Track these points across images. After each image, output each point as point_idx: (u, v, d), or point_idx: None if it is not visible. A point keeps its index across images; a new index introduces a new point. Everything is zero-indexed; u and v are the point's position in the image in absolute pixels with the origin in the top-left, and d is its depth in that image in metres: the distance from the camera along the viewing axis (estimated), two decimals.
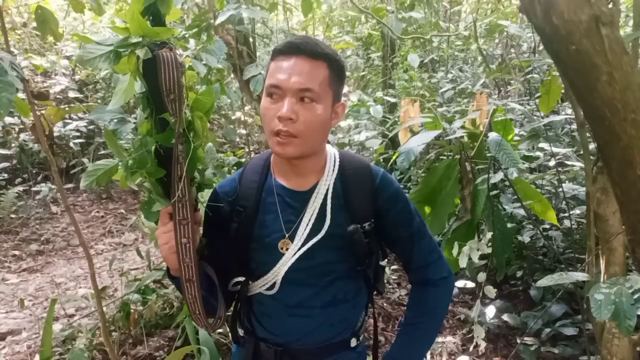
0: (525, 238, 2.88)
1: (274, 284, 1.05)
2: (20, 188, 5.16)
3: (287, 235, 1.04)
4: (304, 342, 1.09)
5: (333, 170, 1.08)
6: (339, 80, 1.02)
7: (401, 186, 1.15)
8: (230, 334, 1.22)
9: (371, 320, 1.26)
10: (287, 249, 1.04)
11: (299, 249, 1.03)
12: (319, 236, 1.03)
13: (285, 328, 1.09)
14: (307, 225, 1.04)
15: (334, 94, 1.01)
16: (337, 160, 1.10)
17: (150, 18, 0.89)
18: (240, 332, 1.17)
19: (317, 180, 1.07)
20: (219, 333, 2.50)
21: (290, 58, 0.96)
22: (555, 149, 2.74)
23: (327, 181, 1.06)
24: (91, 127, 5.79)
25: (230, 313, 1.19)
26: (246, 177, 1.11)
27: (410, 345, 1.14)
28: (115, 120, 1.06)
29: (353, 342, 1.14)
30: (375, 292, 1.21)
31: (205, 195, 1.08)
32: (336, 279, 1.07)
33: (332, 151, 1.11)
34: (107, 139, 0.94)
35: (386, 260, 1.17)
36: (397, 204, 1.10)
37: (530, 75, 3.91)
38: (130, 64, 0.87)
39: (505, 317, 2.79)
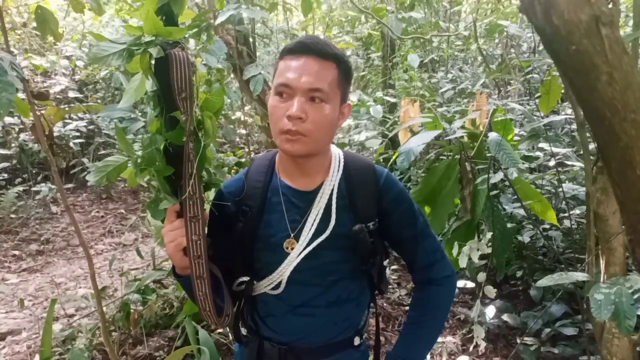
0: (525, 238, 2.88)
1: (280, 283, 1.06)
2: (20, 188, 5.16)
3: (292, 235, 1.05)
4: (308, 341, 1.09)
5: (338, 171, 1.08)
6: (346, 81, 1.03)
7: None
8: (230, 334, 1.22)
9: (373, 320, 1.27)
10: (292, 249, 1.04)
11: (304, 249, 1.03)
12: (324, 236, 1.03)
13: (290, 327, 1.09)
14: (312, 225, 1.04)
15: (341, 95, 1.01)
16: (342, 160, 1.10)
17: (163, 18, 0.90)
18: (243, 331, 1.17)
19: (322, 180, 1.07)
20: (219, 333, 2.50)
21: (300, 57, 0.96)
22: (555, 149, 2.74)
23: (332, 181, 1.07)
24: (91, 127, 5.79)
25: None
26: (251, 177, 1.11)
27: (414, 344, 1.15)
28: (119, 119, 1.06)
29: (356, 341, 1.15)
30: (376, 292, 1.21)
31: (210, 194, 1.09)
32: (340, 278, 1.08)
33: (336, 151, 1.12)
34: (118, 136, 0.94)
35: (387, 260, 1.17)
36: (401, 204, 1.11)
37: (530, 75, 3.91)
38: (143, 62, 0.87)
39: (505, 317, 2.79)
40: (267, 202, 1.07)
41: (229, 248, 1.07)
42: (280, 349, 1.09)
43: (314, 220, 1.04)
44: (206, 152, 0.95)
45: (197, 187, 0.90)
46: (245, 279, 1.08)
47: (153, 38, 0.86)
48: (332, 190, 1.06)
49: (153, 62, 0.87)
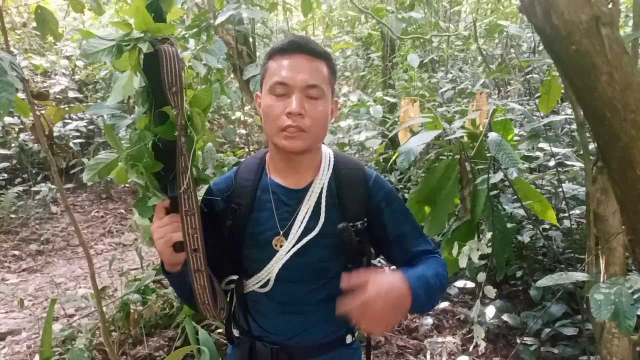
0: (525, 238, 2.88)
1: (268, 281, 1.06)
2: (20, 188, 5.16)
3: (281, 233, 1.05)
4: (299, 340, 1.10)
5: (328, 169, 1.10)
6: (334, 78, 1.06)
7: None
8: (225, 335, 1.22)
9: None
10: (281, 246, 1.05)
11: (292, 246, 1.04)
12: (313, 234, 1.04)
13: (280, 326, 1.10)
14: (302, 222, 1.05)
15: (332, 91, 1.05)
16: (332, 159, 1.12)
17: (152, 15, 0.90)
18: (235, 332, 1.18)
19: (312, 178, 1.08)
20: (219, 333, 2.50)
21: (292, 56, 0.99)
22: (555, 149, 2.74)
23: (322, 180, 1.08)
24: (91, 127, 5.79)
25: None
26: (241, 175, 1.12)
27: (426, 277, 1.02)
28: (112, 116, 1.07)
29: (348, 339, 1.15)
30: None
31: (200, 191, 1.09)
32: (330, 276, 1.08)
33: (327, 151, 1.13)
34: (107, 133, 0.94)
35: (378, 259, 1.17)
36: (392, 202, 1.12)
37: (530, 75, 3.91)
38: (132, 58, 0.88)
39: (505, 317, 2.79)
40: (256, 200, 1.08)
41: (218, 246, 1.07)
42: (273, 349, 1.09)
43: (303, 217, 1.05)
44: (196, 148, 0.95)
45: (192, 181, 0.91)
46: (235, 277, 1.09)
47: (142, 34, 0.87)
48: (322, 188, 1.07)
49: (142, 58, 0.88)
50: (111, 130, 0.94)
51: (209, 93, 0.99)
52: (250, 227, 1.07)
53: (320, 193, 1.07)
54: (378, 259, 1.17)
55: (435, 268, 1.08)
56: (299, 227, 1.04)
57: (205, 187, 1.14)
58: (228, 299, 1.17)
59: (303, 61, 0.98)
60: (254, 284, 1.07)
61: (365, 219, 1.08)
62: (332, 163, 1.11)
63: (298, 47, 0.99)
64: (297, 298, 1.08)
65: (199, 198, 1.08)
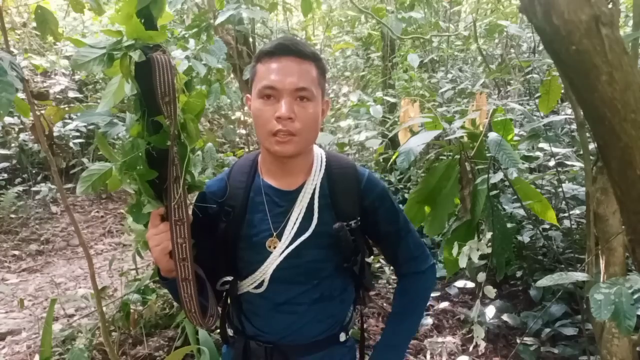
0: (525, 238, 2.88)
1: (262, 282, 1.07)
2: (20, 188, 5.16)
3: (275, 234, 1.06)
4: (293, 339, 1.11)
5: (320, 170, 1.10)
6: (323, 78, 1.06)
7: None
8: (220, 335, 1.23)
9: (372, 319, 1.28)
10: (274, 248, 1.05)
11: (286, 247, 1.05)
12: (307, 234, 1.05)
13: (274, 326, 1.11)
14: (295, 223, 1.05)
15: (322, 92, 1.05)
16: (324, 160, 1.12)
17: (143, 21, 0.89)
18: (230, 332, 1.18)
19: (304, 179, 1.09)
20: (219, 333, 2.50)
21: (280, 59, 0.98)
22: (555, 149, 2.74)
23: (315, 180, 1.09)
24: (91, 127, 5.79)
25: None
26: (234, 178, 1.12)
27: (400, 331, 1.20)
28: (105, 122, 1.05)
29: (342, 337, 1.16)
30: (368, 291, 1.24)
31: (192, 195, 1.08)
32: (323, 276, 1.09)
33: (318, 151, 1.14)
34: (99, 143, 0.94)
35: (372, 257, 1.20)
36: (385, 202, 1.14)
37: (530, 75, 3.91)
38: (123, 67, 0.86)
39: (505, 317, 2.79)
40: (249, 202, 1.09)
41: (212, 248, 1.07)
42: (267, 348, 1.10)
43: (296, 219, 1.06)
44: (190, 155, 0.94)
45: (182, 191, 0.90)
46: (229, 278, 1.09)
47: (133, 42, 0.85)
48: (315, 189, 1.08)
49: (133, 66, 0.86)
50: (103, 140, 0.93)
51: (202, 98, 0.98)
52: (244, 229, 1.07)
53: (313, 194, 1.07)
54: (372, 257, 1.19)
55: (410, 300, 1.20)
56: (292, 228, 1.05)
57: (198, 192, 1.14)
58: (222, 299, 1.17)
59: (291, 64, 0.97)
60: (248, 285, 1.08)
61: (359, 218, 1.09)
62: (324, 163, 1.11)
63: (286, 49, 0.98)
64: (291, 298, 1.08)
65: (192, 202, 1.08)
